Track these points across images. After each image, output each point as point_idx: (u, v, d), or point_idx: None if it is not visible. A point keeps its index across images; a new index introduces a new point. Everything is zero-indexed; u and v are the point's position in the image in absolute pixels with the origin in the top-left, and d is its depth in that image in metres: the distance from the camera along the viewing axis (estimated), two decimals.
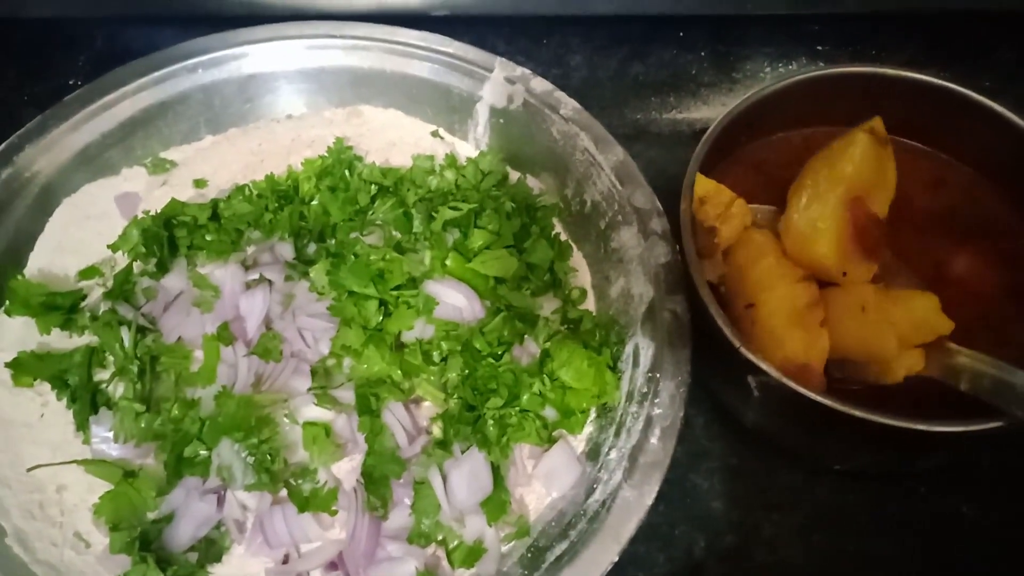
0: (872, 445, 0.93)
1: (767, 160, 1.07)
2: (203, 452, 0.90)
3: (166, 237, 1.03)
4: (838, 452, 1.01)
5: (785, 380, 0.83)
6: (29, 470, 0.92)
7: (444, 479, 0.90)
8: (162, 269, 1.03)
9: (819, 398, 0.82)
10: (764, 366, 0.84)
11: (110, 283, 1.04)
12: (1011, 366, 0.81)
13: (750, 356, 0.85)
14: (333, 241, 1.05)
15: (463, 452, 0.92)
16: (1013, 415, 0.78)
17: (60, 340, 1.02)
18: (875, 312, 0.89)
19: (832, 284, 0.94)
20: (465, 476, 0.90)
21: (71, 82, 1.33)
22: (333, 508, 0.91)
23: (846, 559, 0.99)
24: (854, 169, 0.93)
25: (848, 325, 0.90)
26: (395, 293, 0.98)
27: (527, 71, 1.17)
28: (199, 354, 0.97)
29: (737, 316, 0.93)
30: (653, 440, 0.90)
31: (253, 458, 0.87)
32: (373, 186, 1.07)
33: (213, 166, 1.18)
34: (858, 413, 0.80)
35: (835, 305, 0.91)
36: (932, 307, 0.88)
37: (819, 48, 1.42)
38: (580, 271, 1.11)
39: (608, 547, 0.84)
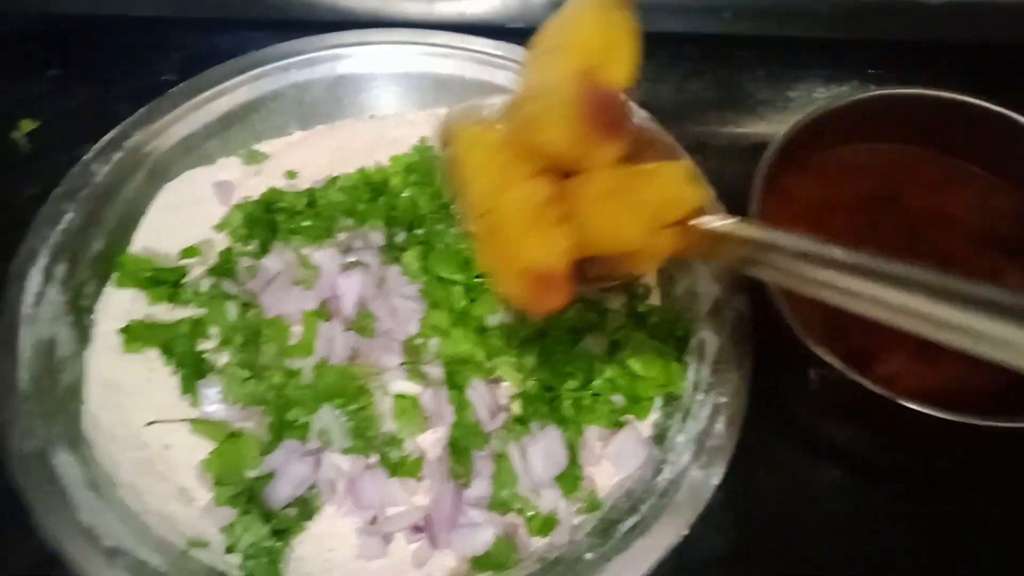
0: (920, 439, 0.99)
1: (831, 171, 1.14)
2: (303, 418, 0.97)
3: (267, 221, 1.11)
4: (891, 445, 1.06)
5: (849, 373, 0.90)
6: (147, 424, 1.00)
7: (522, 453, 0.97)
8: (263, 250, 1.11)
9: (882, 391, 0.87)
10: (828, 358, 0.91)
11: (209, 262, 1.12)
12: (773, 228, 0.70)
13: (814, 348, 0.92)
14: (422, 231, 1.12)
15: (540, 429, 0.98)
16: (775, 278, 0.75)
17: (164, 312, 1.09)
18: (618, 196, 0.72)
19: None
20: (542, 451, 0.97)
21: (164, 78, 1.40)
22: (419, 475, 0.97)
23: (881, 555, 1.03)
24: (581, 39, 0.72)
25: (592, 216, 0.72)
26: (479, 280, 1.05)
27: None
28: (297, 329, 1.04)
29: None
30: (719, 426, 0.97)
31: (351, 423, 0.95)
32: None
33: (302, 159, 1.25)
34: (914, 405, 0.86)
35: (578, 196, 0.73)
36: (678, 176, 0.73)
37: (870, 71, 1.49)
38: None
39: (677, 522, 0.91)
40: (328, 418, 0.96)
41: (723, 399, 0.98)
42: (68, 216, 1.09)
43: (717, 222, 0.72)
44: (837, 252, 0.63)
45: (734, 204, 1.11)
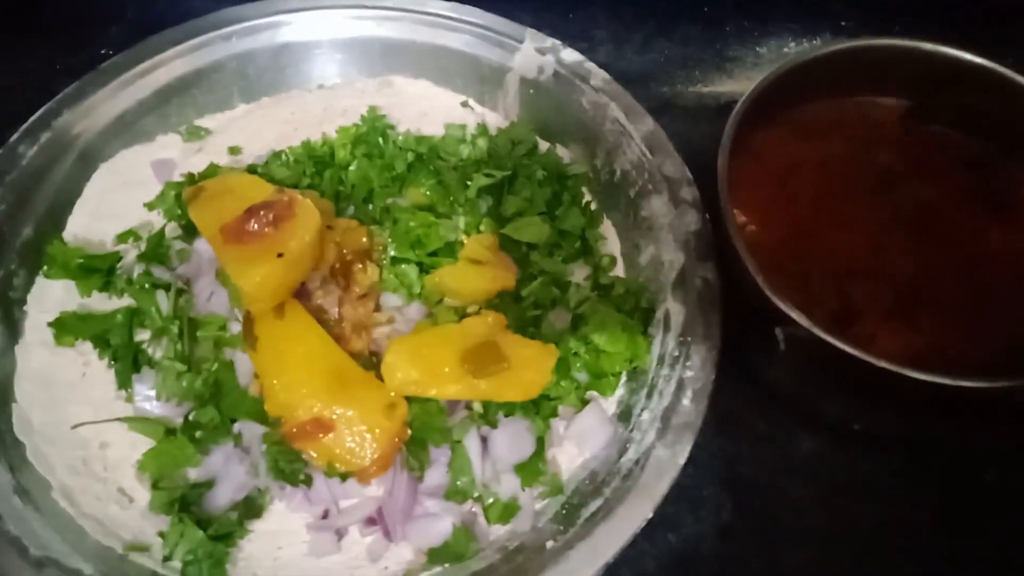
0: (896, 401, 0.95)
1: (800, 129, 1.08)
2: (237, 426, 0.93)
3: None
4: (862, 409, 1.02)
5: (815, 330, 0.84)
6: (74, 427, 0.94)
7: (487, 436, 0.93)
8: (191, 230, 1.05)
9: (849, 348, 0.83)
10: (794, 315, 0.85)
11: (145, 247, 1.06)
12: None
13: (780, 304, 0.86)
14: (371, 207, 1.06)
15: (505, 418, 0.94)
16: None
17: (100, 302, 1.03)
18: None
19: None
20: (508, 435, 0.92)
21: (103, 52, 1.33)
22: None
23: (870, 524, 1.00)
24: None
25: None
26: (432, 259, 1.00)
27: (557, 42, 1.18)
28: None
29: None
30: (685, 402, 0.92)
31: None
32: (410, 153, 1.08)
33: (247, 134, 1.19)
34: (885, 365, 0.82)
35: None
36: None
37: (842, 24, 1.42)
38: (609, 239, 1.12)
39: (642, 504, 0.86)
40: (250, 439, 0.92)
41: (689, 373, 0.93)
42: None
43: None
44: None
45: (700, 166, 1.06)
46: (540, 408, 0.94)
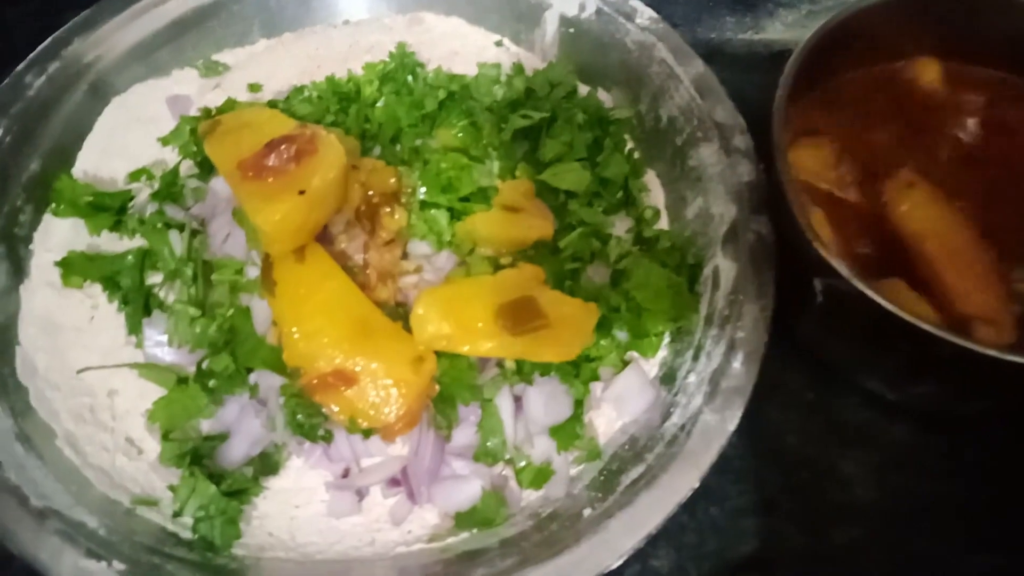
0: (934, 368, 0.88)
1: (857, 87, 1.00)
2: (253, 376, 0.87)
3: None
4: (900, 373, 0.95)
5: (855, 282, 0.77)
6: (79, 372, 0.89)
7: (521, 395, 0.87)
8: (206, 168, 0.99)
9: (887, 304, 0.76)
10: (835, 264, 0.78)
11: (158, 186, 1.00)
12: None
13: (822, 252, 0.79)
14: (398, 147, 0.99)
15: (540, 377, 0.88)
16: None
17: (109, 242, 0.98)
18: None
19: None
20: (544, 394, 0.86)
21: None
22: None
23: (918, 500, 0.94)
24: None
25: None
26: (464, 205, 0.93)
27: None
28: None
29: None
30: (736, 364, 0.85)
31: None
32: (441, 91, 1.01)
33: (267, 70, 1.13)
34: (921, 324, 0.74)
35: None
36: None
37: None
38: (652, 190, 1.05)
39: (688, 473, 0.80)
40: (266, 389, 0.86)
41: (740, 334, 0.86)
42: None
43: None
44: None
45: (749, 117, 1.00)
46: (580, 371, 0.88)
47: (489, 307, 0.84)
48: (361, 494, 0.86)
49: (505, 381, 0.86)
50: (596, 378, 0.89)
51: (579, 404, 0.87)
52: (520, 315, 0.83)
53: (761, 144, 0.98)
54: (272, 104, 1.03)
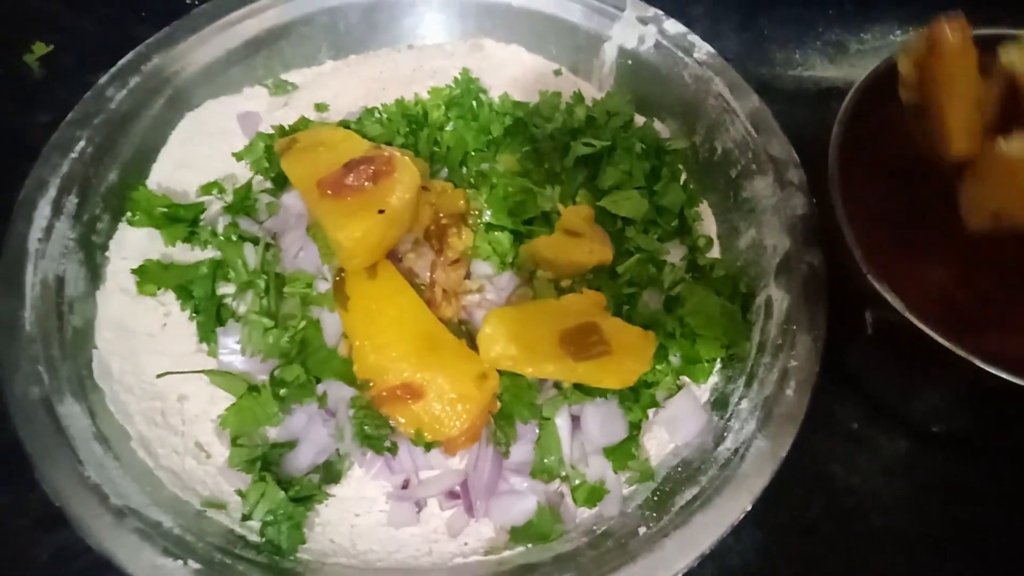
0: (982, 400, 0.90)
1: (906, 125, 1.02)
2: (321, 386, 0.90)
3: None
4: (948, 405, 0.98)
5: (908, 315, 0.80)
6: (158, 376, 0.92)
7: (578, 415, 0.90)
8: (279, 183, 1.02)
9: (939, 338, 0.78)
10: (889, 297, 0.81)
11: (230, 199, 1.03)
12: None
13: (876, 285, 0.82)
14: (465, 170, 1.02)
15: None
16: None
17: (181, 253, 1.01)
18: None
19: None
20: (601, 415, 0.89)
21: (187, 0, 1.31)
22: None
23: (959, 529, 0.96)
24: None
25: None
26: (528, 228, 0.96)
27: (659, 12, 1.14)
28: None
29: None
30: (789, 392, 0.88)
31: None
32: (507, 117, 1.05)
33: (334, 91, 1.16)
34: (973, 359, 0.77)
35: None
36: None
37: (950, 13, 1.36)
38: (705, 220, 1.08)
39: (741, 495, 0.83)
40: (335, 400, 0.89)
41: (794, 363, 0.89)
42: (80, 144, 1.00)
43: None
44: None
45: (805, 155, 1.02)
46: (639, 396, 0.91)
47: (554, 331, 0.87)
48: (419, 505, 0.89)
49: (564, 401, 0.89)
50: (655, 404, 0.92)
51: (636, 427, 0.90)
52: (583, 341, 0.86)
53: (810, 177, 1.01)
54: (344, 124, 1.06)
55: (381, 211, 0.86)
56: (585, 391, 0.89)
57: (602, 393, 0.89)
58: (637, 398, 0.90)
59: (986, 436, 1.01)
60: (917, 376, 0.94)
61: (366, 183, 0.88)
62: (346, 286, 0.89)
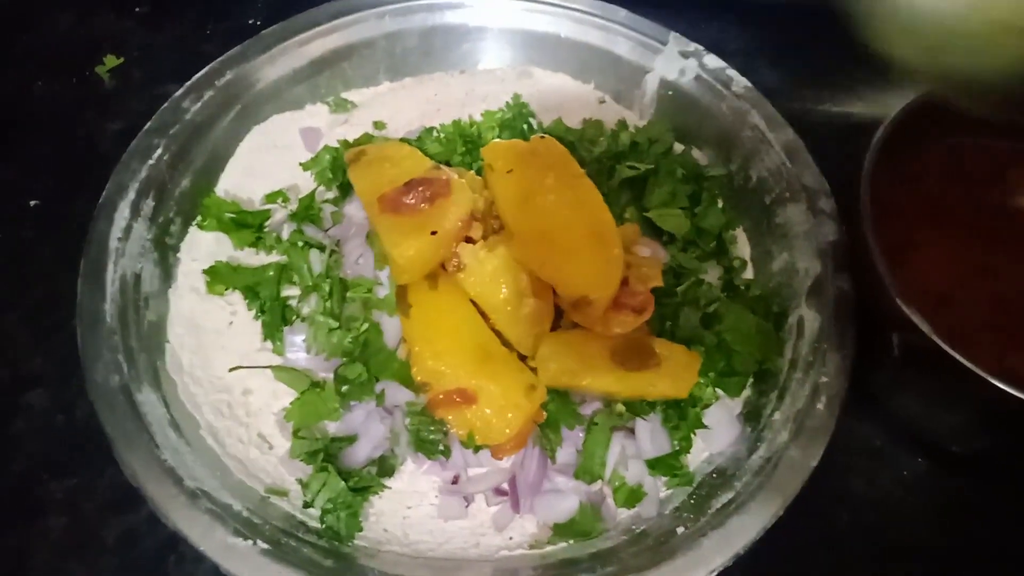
0: (1009, 425, 0.94)
1: (943, 157, 1.08)
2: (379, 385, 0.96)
3: None
4: (973, 428, 1.02)
5: (939, 341, 0.84)
6: (231, 371, 0.98)
7: (631, 426, 0.96)
8: (343, 194, 1.08)
9: (967, 362, 0.83)
10: (917, 320, 0.86)
11: (292, 207, 1.10)
12: None
13: (904, 309, 0.87)
14: None
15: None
16: None
17: (246, 257, 1.08)
18: None
19: None
20: (649, 429, 0.95)
21: (250, 22, 1.38)
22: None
23: (980, 545, 1.00)
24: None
25: None
26: None
27: (700, 47, 1.21)
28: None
29: None
30: (819, 407, 0.93)
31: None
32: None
33: (391, 110, 1.23)
34: (1000, 384, 0.82)
35: None
36: None
37: None
38: (740, 243, 1.14)
39: (774, 500, 0.87)
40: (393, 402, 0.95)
41: (824, 379, 0.94)
42: (158, 152, 1.06)
43: None
44: None
45: (835, 185, 1.08)
46: (687, 415, 0.96)
47: (604, 347, 0.93)
48: (468, 500, 0.94)
49: (613, 415, 0.95)
50: (701, 425, 0.96)
51: (686, 440, 0.96)
52: (634, 353, 0.92)
53: (840, 207, 1.06)
54: (405, 142, 1.12)
55: (434, 232, 0.92)
56: (633, 409, 0.95)
57: (649, 411, 0.95)
58: (684, 416, 0.95)
59: (1008, 458, 1.06)
60: (941, 398, 0.99)
61: (423, 204, 0.94)
62: (408, 295, 0.95)
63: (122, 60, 1.34)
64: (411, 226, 0.94)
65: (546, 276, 0.92)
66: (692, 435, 0.96)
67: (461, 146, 1.11)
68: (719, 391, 1.01)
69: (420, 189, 0.95)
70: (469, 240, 0.96)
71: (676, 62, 1.20)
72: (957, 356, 0.84)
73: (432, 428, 0.92)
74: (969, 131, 1.09)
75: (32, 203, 1.18)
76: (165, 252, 1.05)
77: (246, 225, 1.07)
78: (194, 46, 1.36)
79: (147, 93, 1.27)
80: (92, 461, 0.97)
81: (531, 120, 1.17)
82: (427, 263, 0.94)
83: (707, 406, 0.98)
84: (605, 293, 0.91)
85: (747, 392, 1.01)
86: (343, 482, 0.89)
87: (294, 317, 1.00)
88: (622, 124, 1.18)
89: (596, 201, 0.98)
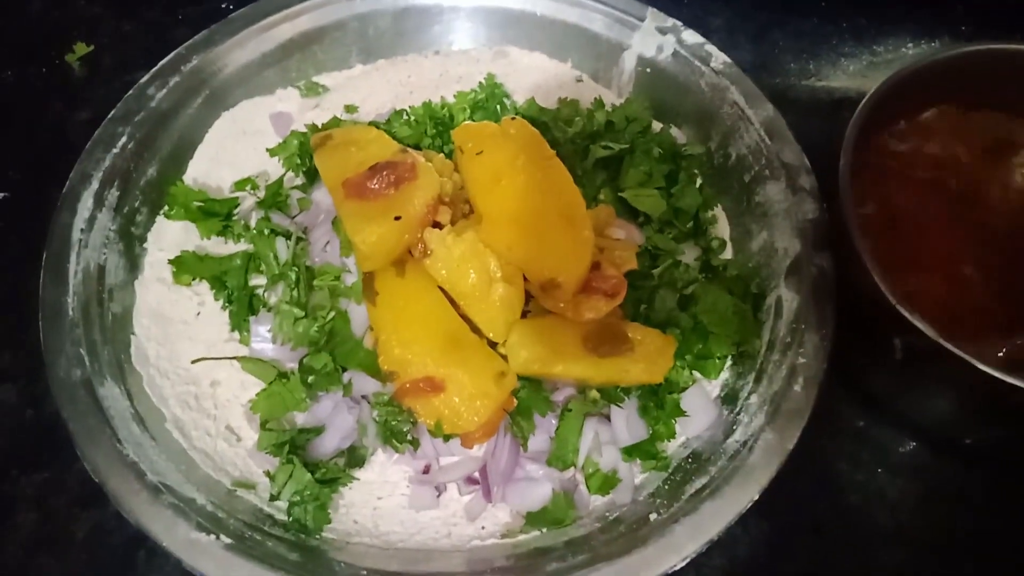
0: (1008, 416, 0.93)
1: (920, 132, 1.05)
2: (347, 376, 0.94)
3: None
4: (972, 422, 1.00)
5: (941, 341, 0.83)
6: (194, 362, 0.96)
7: (607, 413, 0.94)
8: (311, 179, 1.07)
9: (965, 355, 0.80)
10: (920, 325, 0.84)
11: (262, 194, 1.08)
12: None
13: (906, 314, 0.85)
14: None
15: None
16: None
17: (215, 246, 1.06)
18: None
19: None
20: (625, 416, 0.93)
21: (223, 6, 1.36)
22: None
23: (963, 531, 0.99)
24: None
25: None
26: None
27: (678, 22, 1.18)
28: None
29: None
30: (796, 388, 0.91)
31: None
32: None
33: (363, 94, 1.20)
34: (1005, 377, 0.79)
35: None
36: None
37: (962, 28, 1.40)
38: (719, 223, 1.11)
39: (749, 485, 0.86)
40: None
41: (802, 360, 0.92)
42: (122, 140, 1.05)
43: None
44: None
45: (816, 162, 1.05)
46: (665, 403, 0.94)
47: (576, 333, 0.91)
48: (439, 490, 0.93)
49: (588, 402, 0.94)
50: (680, 413, 0.94)
51: (667, 427, 0.94)
52: (605, 339, 0.90)
53: (821, 184, 1.04)
54: (374, 125, 1.10)
55: (398, 217, 0.90)
56: (608, 396, 0.93)
57: (623, 397, 0.94)
58: (662, 404, 0.94)
59: (991, 441, 1.04)
60: (920, 380, 0.97)
61: (388, 189, 0.92)
62: (375, 282, 0.93)
63: (92, 48, 1.32)
64: (375, 211, 0.92)
65: (514, 259, 0.90)
66: (672, 423, 0.94)
67: (432, 128, 1.09)
68: (696, 373, 0.99)
69: (385, 173, 0.93)
70: (437, 225, 0.94)
71: (654, 38, 1.17)
72: (956, 351, 0.81)
73: (400, 418, 0.90)
74: (954, 104, 1.06)
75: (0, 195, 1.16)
76: (131, 242, 1.04)
77: (214, 214, 1.05)
78: (166, 32, 1.33)
79: (117, 81, 1.25)
80: (61, 456, 0.96)
81: (505, 100, 1.14)
82: (391, 249, 0.92)
83: (684, 389, 0.96)
84: (573, 275, 0.89)
85: (725, 374, 0.99)
86: (309, 474, 0.88)
87: (261, 306, 0.99)
88: (598, 103, 1.16)
89: (567, 182, 0.96)
